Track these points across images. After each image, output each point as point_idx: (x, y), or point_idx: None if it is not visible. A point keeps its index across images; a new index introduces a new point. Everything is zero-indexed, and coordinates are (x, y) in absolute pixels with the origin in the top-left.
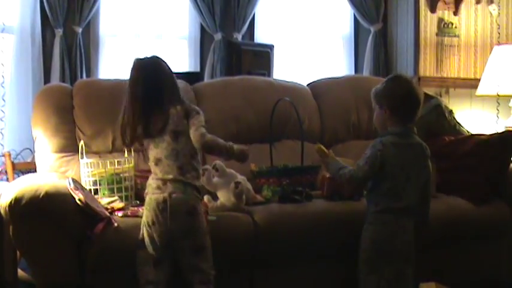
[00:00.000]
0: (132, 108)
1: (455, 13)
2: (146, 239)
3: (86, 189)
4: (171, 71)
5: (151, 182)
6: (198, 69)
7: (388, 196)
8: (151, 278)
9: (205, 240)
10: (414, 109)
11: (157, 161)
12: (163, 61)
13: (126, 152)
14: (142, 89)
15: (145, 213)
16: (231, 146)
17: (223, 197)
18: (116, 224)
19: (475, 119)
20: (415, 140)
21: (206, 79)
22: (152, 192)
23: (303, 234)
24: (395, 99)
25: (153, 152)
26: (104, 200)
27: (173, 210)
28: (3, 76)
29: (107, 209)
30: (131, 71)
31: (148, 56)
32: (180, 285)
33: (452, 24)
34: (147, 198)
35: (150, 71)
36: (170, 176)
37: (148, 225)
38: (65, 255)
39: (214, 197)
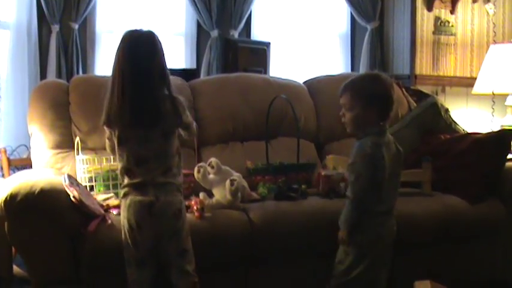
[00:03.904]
0: (120, 88)
1: (452, 12)
2: (128, 241)
3: (82, 185)
4: (163, 52)
5: (129, 184)
6: (194, 66)
7: (377, 200)
8: (135, 278)
9: (188, 243)
10: (392, 108)
11: (141, 162)
12: (159, 40)
13: None
14: (131, 69)
15: (125, 215)
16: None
17: (219, 194)
18: (109, 221)
19: (470, 117)
20: (390, 138)
21: (202, 76)
22: (133, 194)
23: (298, 232)
24: (385, 100)
25: (134, 151)
26: (99, 196)
27: (161, 214)
28: None
29: (102, 206)
30: (121, 43)
31: (143, 30)
32: (163, 285)
33: (448, 22)
34: (126, 201)
35: (142, 49)
36: (149, 178)
37: (131, 228)
38: (60, 251)
39: (210, 194)
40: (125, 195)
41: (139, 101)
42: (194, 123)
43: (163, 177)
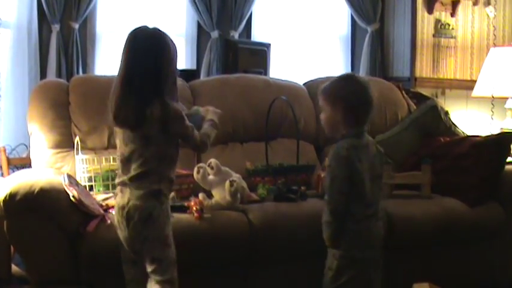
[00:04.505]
0: (115, 86)
1: (452, 14)
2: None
3: (81, 185)
4: (164, 53)
5: (117, 183)
6: (194, 67)
7: (362, 204)
8: (130, 277)
9: (163, 252)
10: (370, 110)
11: (125, 160)
12: (161, 40)
13: None
14: (124, 66)
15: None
16: (216, 125)
17: (218, 195)
18: (109, 221)
19: (470, 120)
20: (369, 139)
21: (202, 77)
22: (117, 195)
23: (297, 233)
24: (352, 100)
25: (121, 149)
26: (99, 196)
27: (129, 218)
28: None
29: (101, 205)
30: (125, 40)
31: (146, 27)
32: None
33: (449, 25)
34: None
35: (137, 47)
36: (127, 179)
37: (116, 228)
38: (59, 251)
39: (209, 195)
40: (115, 194)
41: (124, 100)
42: (198, 135)
43: (138, 181)
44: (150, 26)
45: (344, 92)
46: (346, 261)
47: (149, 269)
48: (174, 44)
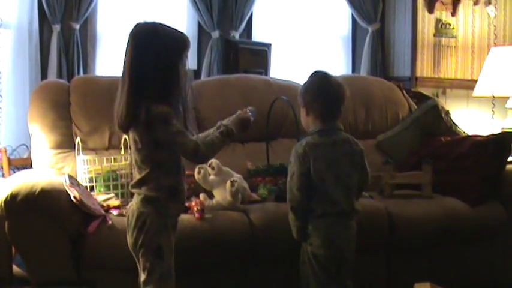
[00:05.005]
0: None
1: (453, 14)
2: None
3: (82, 186)
4: (162, 52)
5: None
6: (195, 67)
7: (323, 201)
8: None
9: (153, 264)
10: (331, 105)
11: (132, 165)
12: (158, 36)
13: (122, 149)
14: (122, 66)
15: None
16: (228, 132)
17: (219, 195)
18: (110, 222)
19: (471, 119)
20: (342, 136)
21: (203, 77)
22: None
23: None
24: (309, 96)
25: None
26: (100, 197)
27: (129, 223)
28: (0, 72)
29: (102, 206)
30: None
31: (145, 24)
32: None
33: (449, 25)
34: None
35: (127, 45)
36: (130, 185)
37: None
38: (60, 251)
39: (210, 195)
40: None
41: (118, 103)
42: (191, 143)
43: (137, 187)
44: (151, 21)
45: (304, 90)
46: (311, 257)
47: (141, 278)
48: (178, 41)
